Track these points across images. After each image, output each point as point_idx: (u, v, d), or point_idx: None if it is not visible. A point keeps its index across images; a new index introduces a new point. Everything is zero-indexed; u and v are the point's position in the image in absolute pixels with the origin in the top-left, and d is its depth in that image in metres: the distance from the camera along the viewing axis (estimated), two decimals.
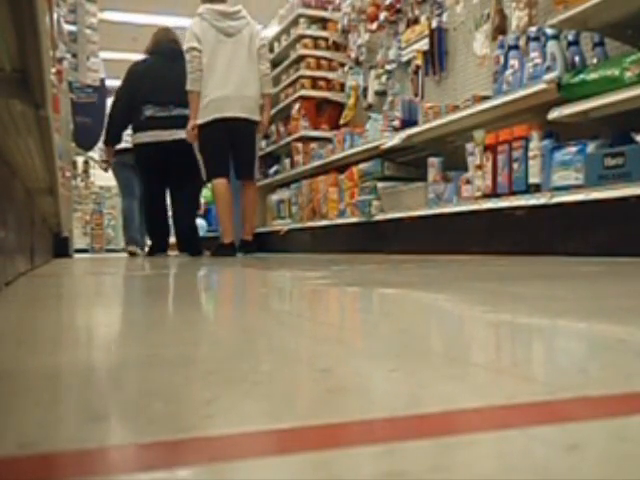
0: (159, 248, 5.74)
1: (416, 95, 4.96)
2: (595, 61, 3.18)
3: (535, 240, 3.37)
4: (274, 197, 7.30)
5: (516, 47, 3.65)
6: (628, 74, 2.75)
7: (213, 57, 4.81)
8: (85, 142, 6.49)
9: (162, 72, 5.23)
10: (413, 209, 4.39)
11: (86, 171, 12.06)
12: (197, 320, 1.12)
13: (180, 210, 5.66)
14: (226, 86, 4.77)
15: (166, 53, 5.36)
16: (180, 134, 5.10)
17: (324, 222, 5.86)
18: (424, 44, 4.80)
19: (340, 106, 6.35)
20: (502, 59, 3.74)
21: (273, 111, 7.12)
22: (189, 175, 5.31)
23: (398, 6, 5.17)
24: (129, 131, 5.63)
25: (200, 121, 4.83)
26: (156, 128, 5.22)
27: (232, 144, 4.86)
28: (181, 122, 5.06)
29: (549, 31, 3.33)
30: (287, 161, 7.00)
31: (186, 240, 5.63)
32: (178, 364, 0.64)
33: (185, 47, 4.91)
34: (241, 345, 0.80)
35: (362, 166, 5.26)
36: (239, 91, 4.81)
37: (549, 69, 3.25)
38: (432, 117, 4.32)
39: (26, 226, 2.80)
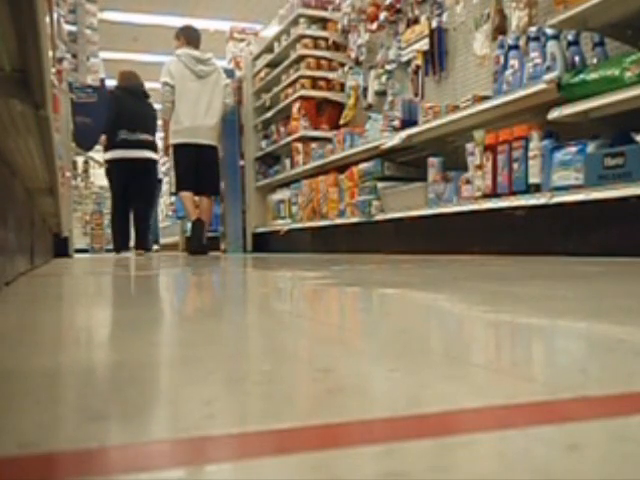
0: (125, 247, 6.95)
1: (416, 95, 4.96)
2: (595, 61, 3.18)
3: (535, 240, 3.37)
4: (274, 197, 7.29)
5: (516, 47, 3.65)
6: (628, 74, 2.75)
7: (183, 92, 5.98)
8: (85, 142, 6.49)
9: (132, 106, 6.64)
10: (413, 209, 4.39)
11: (86, 171, 12.07)
12: (197, 320, 1.12)
13: (140, 215, 6.94)
14: (195, 118, 6.00)
15: (134, 92, 6.75)
16: (144, 153, 6.68)
17: (324, 222, 5.86)
18: (424, 44, 4.79)
19: (340, 106, 6.35)
20: (502, 59, 3.74)
21: (273, 111, 7.16)
22: (148, 187, 6.88)
23: (398, 6, 5.16)
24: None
25: (174, 141, 6.06)
26: (127, 148, 6.59)
27: (198, 165, 6.03)
28: (145, 144, 6.69)
29: (549, 31, 3.33)
30: (287, 161, 7.00)
31: (143, 239, 7.01)
32: (178, 364, 0.64)
33: (161, 80, 6.10)
34: (241, 345, 0.80)
35: (362, 166, 5.26)
36: (205, 123, 6.05)
37: (549, 69, 3.25)
38: (432, 117, 4.32)
39: (26, 226, 2.80)
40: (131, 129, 6.57)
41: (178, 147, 6.03)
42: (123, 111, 6.44)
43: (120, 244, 6.89)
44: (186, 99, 5.96)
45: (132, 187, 6.68)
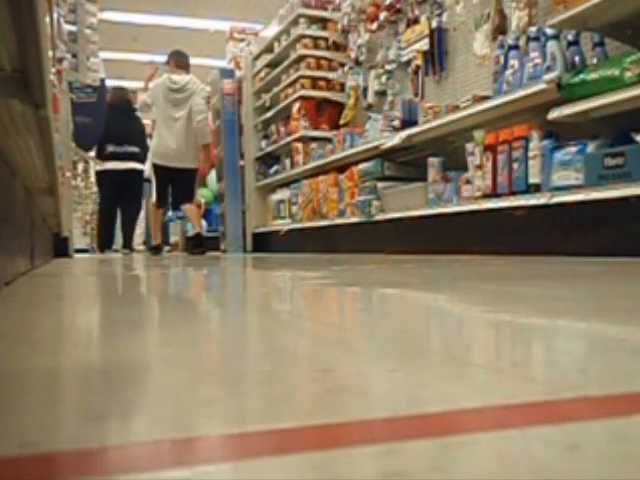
0: (108, 246, 7.53)
1: (416, 95, 4.95)
2: (595, 61, 3.18)
3: (535, 240, 3.37)
4: (274, 197, 7.29)
5: (516, 47, 3.64)
6: (628, 74, 2.75)
7: (160, 117, 6.47)
8: (85, 142, 6.50)
9: (119, 123, 7.15)
10: (413, 209, 4.39)
11: (86, 171, 12.05)
12: (197, 320, 1.12)
13: (127, 220, 7.63)
14: (167, 144, 6.42)
15: (121, 109, 7.28)
16: (130, 165, 7.31)
17: (324, 222, 5.86)
18: (424, 44, 4.79)
19: (340, 106, 6.35)
20: (502, 59, 3.74)
21: (273, 111, 7.16)
22: (134, 195, 7.55)
23: (398, 6, 5.16)
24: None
25: (152, 161, 6.63)
26: (114, 160, 7.22)
27: (173, 184, 6.56)
28: (132, 156, 7.32)
29: (549, 31, 3.33)
30: (287, 161, 6.99)
31: (129, 240, 7.72)
32: (178, 364, 0.64)
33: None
34: (241, 345, 0.80)
35: (362, 166, 5.25)
36: (177, 149, 6.42)
37: (549, 69, 3.25)
38: (432, 117, 4.32)
39: (26, 226, 2.80)
40: (119, 143, 7.23)
41: (154, 167, 6.57)
42: (111, 127, 6.87)
43: (104, 243, 7.51)
44: (163, 124, 6.43)
45: (120, 196, 7.35)
